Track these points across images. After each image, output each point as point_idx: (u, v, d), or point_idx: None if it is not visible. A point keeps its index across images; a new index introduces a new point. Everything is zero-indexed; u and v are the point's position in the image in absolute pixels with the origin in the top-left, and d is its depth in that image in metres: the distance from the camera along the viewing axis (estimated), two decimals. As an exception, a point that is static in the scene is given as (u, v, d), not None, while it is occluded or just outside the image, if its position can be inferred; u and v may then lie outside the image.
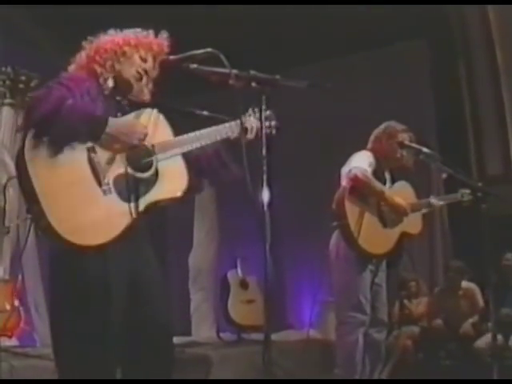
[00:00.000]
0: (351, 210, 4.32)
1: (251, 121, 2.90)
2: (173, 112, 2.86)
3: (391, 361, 6.21)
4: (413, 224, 4.52)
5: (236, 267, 7.34)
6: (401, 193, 4.51)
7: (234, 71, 2.52)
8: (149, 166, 2.69)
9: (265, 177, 2.41)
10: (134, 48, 2.86)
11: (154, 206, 2.67)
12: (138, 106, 2.84)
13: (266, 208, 2.41)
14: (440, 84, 7.69)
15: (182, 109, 2.89)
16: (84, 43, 2.89)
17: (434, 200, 4.60)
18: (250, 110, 2.92)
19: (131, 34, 2.90)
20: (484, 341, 5.73)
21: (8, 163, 5.68)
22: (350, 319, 4.31)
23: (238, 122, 2.77)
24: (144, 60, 2.87)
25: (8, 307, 4.77)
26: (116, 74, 2.83)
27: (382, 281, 4.48)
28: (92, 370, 2.54)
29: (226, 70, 2.52)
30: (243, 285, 7.22)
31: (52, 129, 2.50)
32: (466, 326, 6.26)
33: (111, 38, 2.88)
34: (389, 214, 4.41)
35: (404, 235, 4.47)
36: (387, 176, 4.57)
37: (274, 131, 2.89)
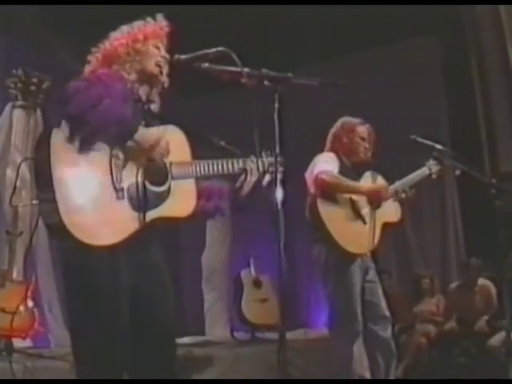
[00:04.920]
0: (327, 215, 4.16)
1: (254, 163, 2.89)
2: (190, 134, 2.83)
3: (405, 359, 6.20)
4: (391, 212, 4.39)
5: (249, 266, 7.32)
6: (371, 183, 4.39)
7: (246, 70, 2.52)
8: (163, 182, 2.67)
9: (278, 175, 2.40)
10: (144, 41, 2.81)
11: (161, 221, 2.65)
12: (159, 117, 2.82)
13: (279, 207, 2.39)
14: (452, 81, 7.68)
15: (200, 133, 2.84)
16: (94, 50, 2.82)
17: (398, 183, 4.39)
18: (263, 153, 2.89)
19: (133, 29, 2.84)
20: (498, 338, 5.71)
21: (20, 165, 5.68)
22: (345, 330, 4.16)
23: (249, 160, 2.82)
24: (157, 48, 2.83)
25: (22, 308, 4.77)
26: (139, 72, 2.78)
27: (374, 277, 4.35)
28: (102, 370, 2.55)
29: (238, 69, 2.52)
30: (256, 284, 7.20)
31: (86, 125, 2.42)
32: (481, 323, 6.25)
33: (117, 40, 2.82)
34: (364, 209, 4.26)
35: (386, 226, 4.33)
36: (353, 172, 4.43)
37: (279, 176, 2.66)
